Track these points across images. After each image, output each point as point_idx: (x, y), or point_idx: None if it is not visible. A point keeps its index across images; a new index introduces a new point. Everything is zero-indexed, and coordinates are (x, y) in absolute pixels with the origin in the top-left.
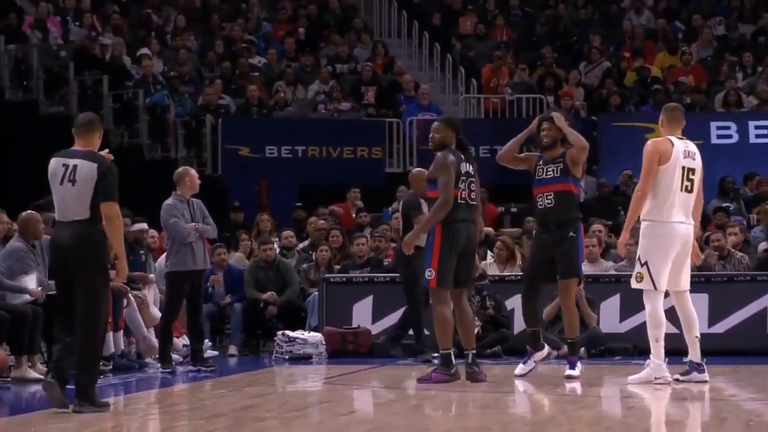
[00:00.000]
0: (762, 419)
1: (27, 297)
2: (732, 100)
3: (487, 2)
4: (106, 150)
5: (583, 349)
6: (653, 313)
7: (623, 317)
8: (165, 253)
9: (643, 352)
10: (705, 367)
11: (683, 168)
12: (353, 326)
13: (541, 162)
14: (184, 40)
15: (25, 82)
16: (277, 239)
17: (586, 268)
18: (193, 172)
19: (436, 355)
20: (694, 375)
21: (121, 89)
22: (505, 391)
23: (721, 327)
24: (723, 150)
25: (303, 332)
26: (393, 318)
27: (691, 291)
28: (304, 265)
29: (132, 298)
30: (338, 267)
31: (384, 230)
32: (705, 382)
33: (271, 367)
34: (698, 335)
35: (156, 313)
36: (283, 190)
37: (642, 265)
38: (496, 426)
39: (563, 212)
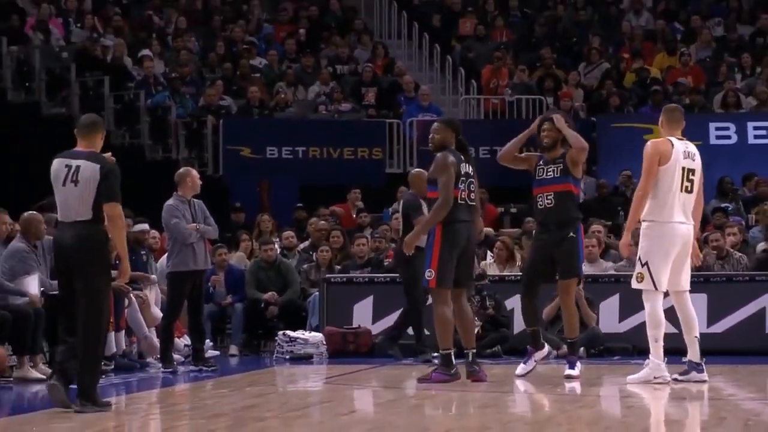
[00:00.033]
0: (760, 419)
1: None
2: (731, 101)
3: (486, 3)
4: (109, 153)
5: (582, 348)
6: (653, 313)
7: (622, 317)
8: (166, 254)
9: (643, 352)
10: (704, 367)
11: (683, 169)
12: (354, 326)
13: (541, 162)
14: (186, 42)
15: (27, 84)
16: (277, 239)
17: (586, 269)
18: (195, 172)
19: (436, 355)
20: (693, 375)
21: (122, 90)
22: (505, 390)
23: (719, 327)
24: (722, 151)
25: (304, 332)
26: (393, 318)
27: (690, 291)
28: (305, 266)
29: (133, 298)
30: (339, 267)
31: (384, 231)
32: (704, 381)
33: (272, 366)
34: (698, 335)
35: (157, 313)
36: (284, 191)
37: (642, 266)
38: (496, 426)
39: (563, 212)
